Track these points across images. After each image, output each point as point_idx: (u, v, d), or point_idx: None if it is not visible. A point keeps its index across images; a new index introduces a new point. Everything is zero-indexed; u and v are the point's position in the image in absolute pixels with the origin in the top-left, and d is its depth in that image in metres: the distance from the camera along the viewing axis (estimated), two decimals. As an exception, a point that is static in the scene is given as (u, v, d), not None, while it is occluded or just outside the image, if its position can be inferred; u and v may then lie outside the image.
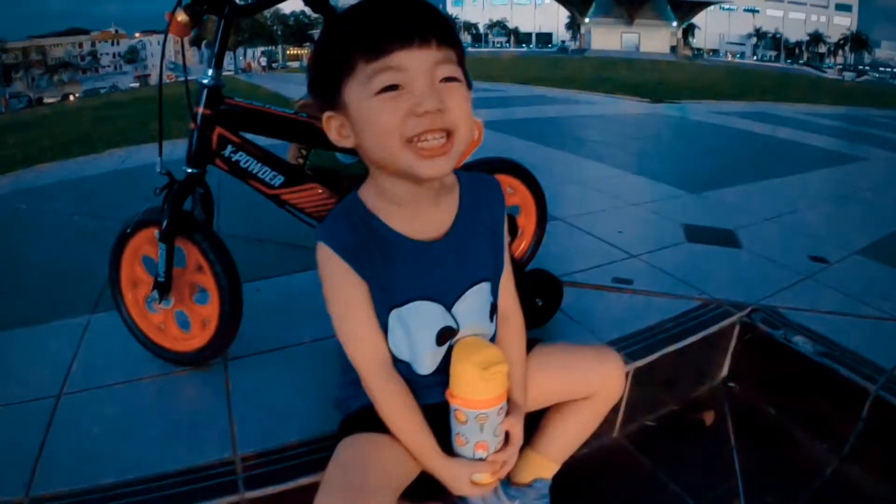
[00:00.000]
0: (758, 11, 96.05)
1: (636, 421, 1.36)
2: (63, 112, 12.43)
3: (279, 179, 1.20)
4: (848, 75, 41.86)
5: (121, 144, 5.52)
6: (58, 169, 4.49)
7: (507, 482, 1.04)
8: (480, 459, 0.82)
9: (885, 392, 1.20)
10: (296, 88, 9.18)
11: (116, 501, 0.94)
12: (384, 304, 0.82)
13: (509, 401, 0.86)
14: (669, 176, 3.12)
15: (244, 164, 1.17)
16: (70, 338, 1.46)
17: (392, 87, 0.70)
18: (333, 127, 0.78)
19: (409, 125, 0.70)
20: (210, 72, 1.12)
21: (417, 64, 0.70)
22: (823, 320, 1.50)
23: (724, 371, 1.53)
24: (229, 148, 1.15)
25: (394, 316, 0.83)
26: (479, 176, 0.91)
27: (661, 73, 14.26)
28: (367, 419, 0.86)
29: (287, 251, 1.99)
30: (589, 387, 0.96)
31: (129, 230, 1.23)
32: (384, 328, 0.83)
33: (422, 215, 0.83)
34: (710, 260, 1.93)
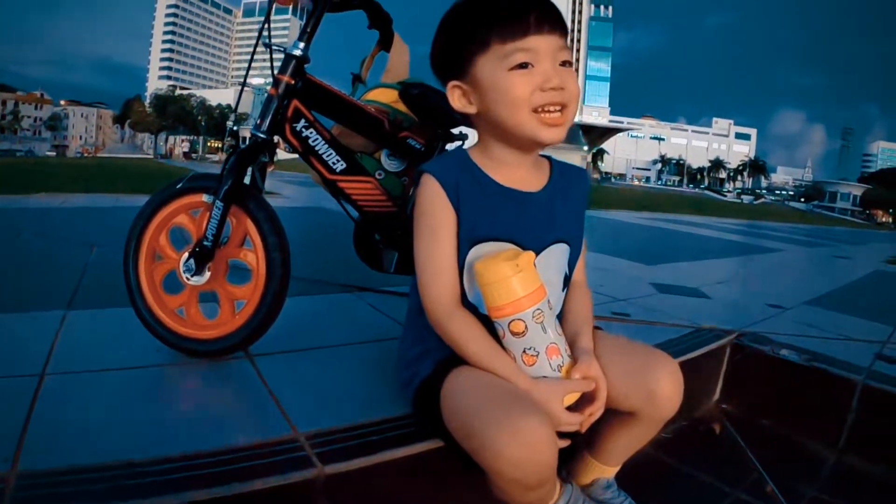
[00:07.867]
0: (663, 139, 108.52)
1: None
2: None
3: (341, 165, 1.22)
4: (746, 199, 46.66)
5: (52, 191, 5.20)
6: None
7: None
8: (559, 368, 0.82)
9: (870, 381, 1.39)
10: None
11: (144, 479, 0.78)
12: (468, 237, 0.87)
13: (580, 348, 0.88)
14: (622, 253, 3.38)
15: (313, 141, 1.18)
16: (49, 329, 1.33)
17: (524, 65, 0.83)
18: (456, 95, 0.89)
19: (536, 97, 0.83)
20: (301, 45, 1.16)
21: (546, 47, 0.84)
22: (798, 341, 1.67)
23: (717, 395, 1.63)
24: (302, 122, 1.17)
25: (476, 250, 0.87)
26: (567, 163, 1.01)
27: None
28: (449, 367, 0.86)
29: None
30: (640, 394, 0.87)
31: (179, 186, 1.16)
32: (461, 264, 0.87)
33: (522, 174, 0.92)
34: (685, 304, 2.10)
